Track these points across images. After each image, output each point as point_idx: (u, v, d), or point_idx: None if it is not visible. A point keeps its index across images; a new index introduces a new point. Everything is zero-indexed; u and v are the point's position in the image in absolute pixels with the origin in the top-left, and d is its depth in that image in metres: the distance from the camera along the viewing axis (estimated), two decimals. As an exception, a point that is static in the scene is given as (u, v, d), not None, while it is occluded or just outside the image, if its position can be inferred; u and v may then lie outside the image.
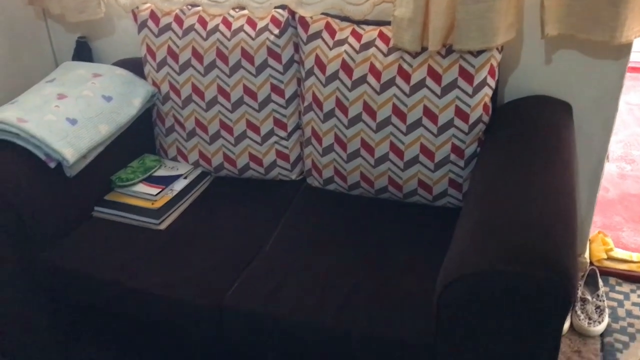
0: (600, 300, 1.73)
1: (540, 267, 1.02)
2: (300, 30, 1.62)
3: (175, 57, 1.72)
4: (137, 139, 1.82)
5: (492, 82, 1.48)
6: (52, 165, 1.51)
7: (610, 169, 2.49)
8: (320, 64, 1.59)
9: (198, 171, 1.80)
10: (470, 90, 1.46)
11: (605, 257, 1.91)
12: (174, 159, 1.84)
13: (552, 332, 1.07)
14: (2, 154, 1.48)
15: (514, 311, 1.05)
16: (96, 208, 1.65)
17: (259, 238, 1.54)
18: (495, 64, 1.47)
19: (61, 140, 1.50)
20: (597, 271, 1.83)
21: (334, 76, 1.57)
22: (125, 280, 1.42)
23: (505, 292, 1.04)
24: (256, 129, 1.72)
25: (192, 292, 1.37)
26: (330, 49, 1.58)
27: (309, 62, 1.61)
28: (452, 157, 1.52)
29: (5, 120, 1.49)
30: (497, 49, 1.47)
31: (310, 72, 1.61)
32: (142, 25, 1.77)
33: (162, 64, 1.75)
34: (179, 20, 1.73)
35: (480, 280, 1.05)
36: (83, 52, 2.07)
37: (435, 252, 1.39)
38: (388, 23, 1.56)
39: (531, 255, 1.05)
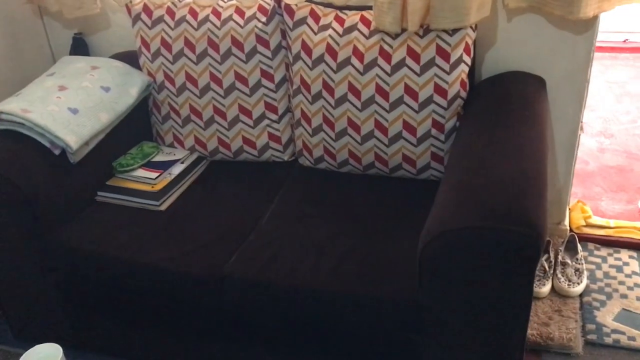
0: (579, 264, 1.83)
1: (511, 222, 1.12)
2: (286, 17, 1.71)
3: (168, 47, 1.81)
4: (135, 128, 1.91)
5: (467, 59, 1.58)
6: (57, 152, 1.60)
7: (589, 143, 2.59)
8: (306, 49, 1.68)
9: (194, 156, 1.89)
10: (447, 67, 1.56)
11: (584, 224, 2.01)
12: (171, 145, 1.93)
13: (525, 281, 1.17)
14: (9, 143, 1.57)
15: (489, 263, 1.15)
16: (99, 193, 1.74)
17: (255, 214, 1.64)
18: (470, 41, 1.57)
19: (64, 128, 1.59)
20: (577, 237, 1.93)
21: (320, 59, 1.66)
22: (130, 256, 1.51)
23: (481, 246, 1.14)
24: (248, 113, 1.81)
25: (193, 264, 1.46)
26: (316, 34, 1.67)
27: (296, 47, 1.70)
28: (433, 131, 1.62)
29: (11, 111, 1.57)
30: (471, 27, 1.56)
31: (297, 57, 1.70)
32: (136, 19, 1.86)
33: (157, 54, 1.84)
34: (170, 12, 1.82)
35: (458, 236, 1.15)
36: (80, 47, 2.15)
37: (420, 220, 1.48)
38: (369, 7, 1.66)
39: (504, 211, 1.14)
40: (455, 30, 1.54)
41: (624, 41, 3.51)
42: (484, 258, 1.16)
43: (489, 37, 1.73)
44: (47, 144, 1.59)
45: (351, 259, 1.42)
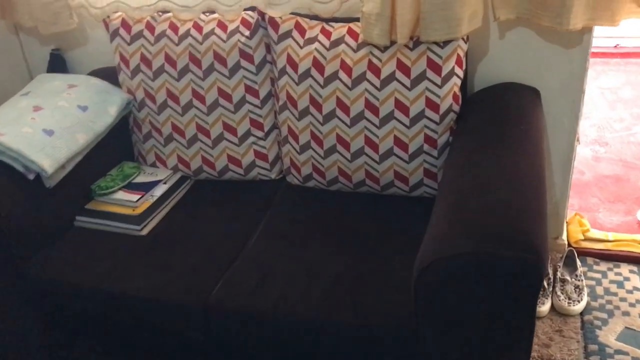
0: (578, 280, 1.77)
1: (510, 247, 1.05)
2: (270, 30, 1.65)
3: (148, 63, 1.74)
4: (115, 147, 1.83)
5: (459, 71, 1.52)
6: (31, 177, 1.52)
7: (584, 152, 2.54)
8: (292, 63, 1.61)
9: (177, 176, 1.82)
10: (439, 80, 1.50)
11: (583, 238, 1.96)
12: (153, 165, 1.85)
13: (526, 308, 1.10)
14: (-20, 168, 1.49)
15: (488, 290, 1.09)
16: (78, 217, 1.66)
17: (242, 237, 1.56)
18: (462, 53, 1.51)
19: (39, 151, 1.51)
20: (575, 252, 1.87)
21: (306, 74, 1.60)
22: (111, 286, 1.43)
23: (479, 273, 1.07)
24: (233, 131, 1.74)
25: (177, 293, 1.39)
26: (301, 47, 1.61)
27: (281, 62, 1.63)
28: (426, 147, 1.56)
29: (-18, 135, 1.49)
30: (463, 39, 1.50)
31: (283, 72, 1.64)
32: (114, 34, 1.79)
33: (136, 71, 1.76)
34: (150, 27, 1.74)
35: (454, 263, 1.08)
36: (57, 63, 2.07)
37: (414, 241, 1.41)
38: (356, 19, 1.59)
39: (502, 235, 1.08)
40: (446, 42, 1.48)
41: (615, 46, 3.48)
42: (482, 285, 1.09)
43: (482, 48, 1.67)
44: (21, 169, 1.51)
45: (343, 283, 1.35)
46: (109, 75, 1.87)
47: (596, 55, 3.44)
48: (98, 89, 1.76)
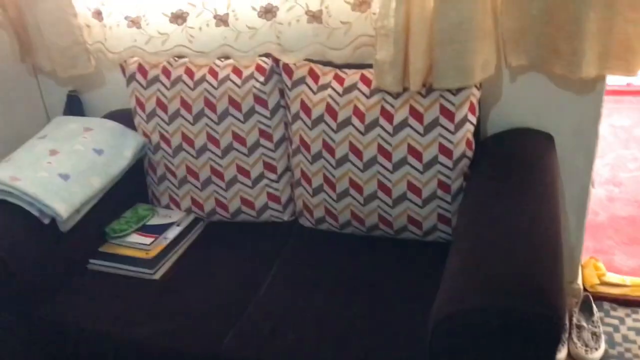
0: (595, 327, 1.74)
1: (528, 302, 1.04)
2: (284, 76, 1.67)
3: (164, 107, 1.76)
4: (130, 189, 1.85)
5: (472, 118, 1.52)
6: (46, 221, 1.54)
7: (598, 192, 2.52)
8: (305, 108, 1.63)
9: (191, 217, 1.82)
10: (452, 127, 1.50)
11: (598, 282, 1.93)
12: (167, 207, 1.86)
13: (544, 364, 1.08)
14: (-4, 213, 1.51)
15: (504, 345, 1.07)
16: (91, 260, 1.66)
17: (254, 282, 1.56)
18: (475, 100, 1.52)
19: (54, 196, 1.53)
20: (591, 297, 1.84)
21: (320, 119, 1.61)
22: (122, 332, 1.43)
23: (495, 327, 1.06)
24: (246, 173, 1.75)
25: (188, 340, 1.38)
26: (315, 93, 1.62)
27: (295, 107, 1.65)
28: (439, 192, 1.55)
29: (-1, 179, 1.51)
30: (476, 86, 1.51)
31: (296, 116, 1.65)
32: (131, 78, 1.82)
33: (152, 115, 1.79)
34: (166, 72, 1.77)
35: (470, 316, 1.07)
36: (74, 105, 2.11)
37: (428, 287, 1.40)
38: (369, 66, 1.61)
39: (519, 289, 1.07)
40: (459, 90, 1.49)
41: (627, 85, 3.47)
42: (499, 340, 1.07)
43: (495, 94, 1.67)
44: (36, 213, 1.52)
45: (356, 334, 1.33)
46: (124, 117, 1.90)
47: (608, 93, 3.43)
48: (114, 132, 1.78)
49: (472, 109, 1.51)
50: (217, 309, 1.46)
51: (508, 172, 1.47)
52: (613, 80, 3.52)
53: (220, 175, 1.76)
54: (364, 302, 1.43)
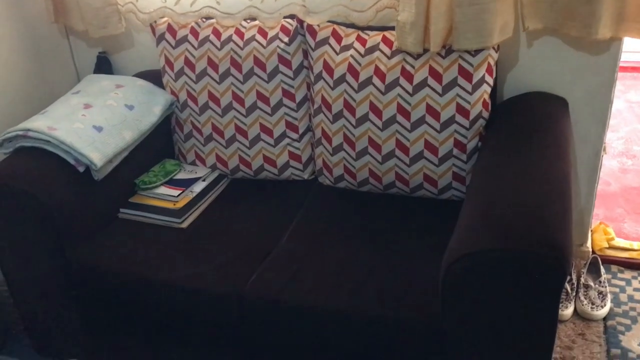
0: (602, 286, 1.80)
1: (536, 245, 1.11)
2: (308, 37, 1.73)
3: (192, 66, 1.84)
4: (158, 145, 1.93)
5: (490, 79, 1.58)
6: (81, 169, 1.62)
7: (611, 164, 2.56)
8: (328, 69, 1.69)
9: (215, 174, 1.90)
10: (469, 87, 1.56)
11: (607, 246, 1.98)
12: (193, 163, 1.95)
13: (550, 304, 1.15)
14: (35, 160, 1.60)
15: (513, 286, 1.14)
16: (122, 210, 1.75)
17: (276, 233, 1.64)
18: (492, 62, 1.57)
19: (89, 145, 1.61)
20: (599, 259, 1.90)
21: (342, 79, 1.67)
22: (150, 274, 1.52)
23: (504, 269, 1.13)
24: (269, 132, 1.82)
25: (214, 281, 1.47)
26: (337, 54, 1.69)
27: (318, 67, 1.71)
28: (455, 151, 1.62)
29: (37, 129, 1.60)
30: (494, 48, 1.56)
31: (319, 77, 1.72)
32: (160, 38, 1.89)
33: (180, 73, 1.86)
34: (194, 33, 1.84)
35: (481, 258, 1.14)
36: (103, 66, 2.19)
37: (442, 241, 1.47)
38: (391, 28, 1.67)
39: (528, 234, 1.13)
40: (477, 51, 1.55)
41: (645, 61, 3.48)
42: (507, 281, 1.14)
43: (511, 58, 1.73)
44: (72, 161, 1.61)
45: (372, 279, 1.41)
46: (152, 77, 1.97)
47: (625, 69, 3.45)
48: (144, 89, 1.86)
49: (489, 70, 1.57)
50: (240, 255, 1.55)
51: (522, 134, 1.52)
52: (630, 57, 3.54)
53: (244, 134, 1.84)
54: (380, 251, 1.51)
